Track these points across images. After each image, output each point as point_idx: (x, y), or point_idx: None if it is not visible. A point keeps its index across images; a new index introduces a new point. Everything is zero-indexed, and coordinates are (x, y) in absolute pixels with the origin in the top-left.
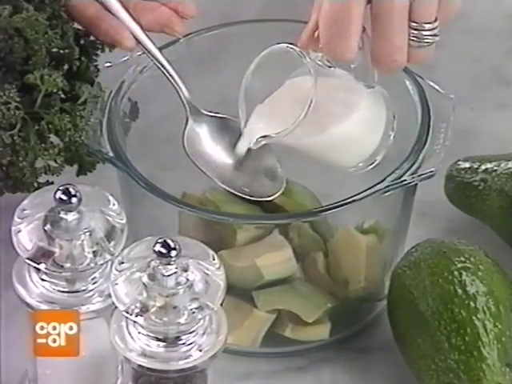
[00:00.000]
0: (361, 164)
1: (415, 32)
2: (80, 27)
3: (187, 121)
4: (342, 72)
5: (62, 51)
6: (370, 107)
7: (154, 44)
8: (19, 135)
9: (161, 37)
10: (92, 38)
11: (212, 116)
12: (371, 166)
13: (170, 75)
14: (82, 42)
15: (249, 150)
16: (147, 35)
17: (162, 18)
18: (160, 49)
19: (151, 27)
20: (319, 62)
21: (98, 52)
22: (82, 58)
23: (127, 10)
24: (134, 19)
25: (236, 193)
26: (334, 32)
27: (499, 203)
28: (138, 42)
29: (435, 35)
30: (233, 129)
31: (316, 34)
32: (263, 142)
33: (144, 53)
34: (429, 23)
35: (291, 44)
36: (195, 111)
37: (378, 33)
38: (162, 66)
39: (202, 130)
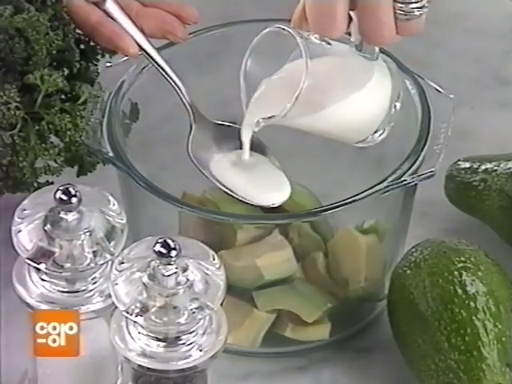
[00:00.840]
0: (368, 138)
1: (402, 6)
2: (80, 32)
3: (191, 127)
4: (341, 47)
5: (62, 53)
6: (373, 80)
7: (156, 51)
8: (19, 135)
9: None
10: (92, 43)
11: (217, 124)
12: (380, 138)
13: (174, 82)
14: (82, 46)
15: (253, 155)
16: (150, 42)
17: (165, 24)
18: (159, 49)
19: (154, 33)
20: (317, 40)
21: (98, 57)
22: (82, 62)
23: (129, 17)
24: (137, 25)
25: (241, 199)
26: (320, 11)
27: (499, 203)
28: (141, 48)
29: (424, 7)
30: (237, 136)
31: None
32: (263, 124)
33: (146, 58)
34: None
35: (284, 25)
36: (200, 118)
37: (362, 10)
38: (166, 72)
39: (206, 137)
